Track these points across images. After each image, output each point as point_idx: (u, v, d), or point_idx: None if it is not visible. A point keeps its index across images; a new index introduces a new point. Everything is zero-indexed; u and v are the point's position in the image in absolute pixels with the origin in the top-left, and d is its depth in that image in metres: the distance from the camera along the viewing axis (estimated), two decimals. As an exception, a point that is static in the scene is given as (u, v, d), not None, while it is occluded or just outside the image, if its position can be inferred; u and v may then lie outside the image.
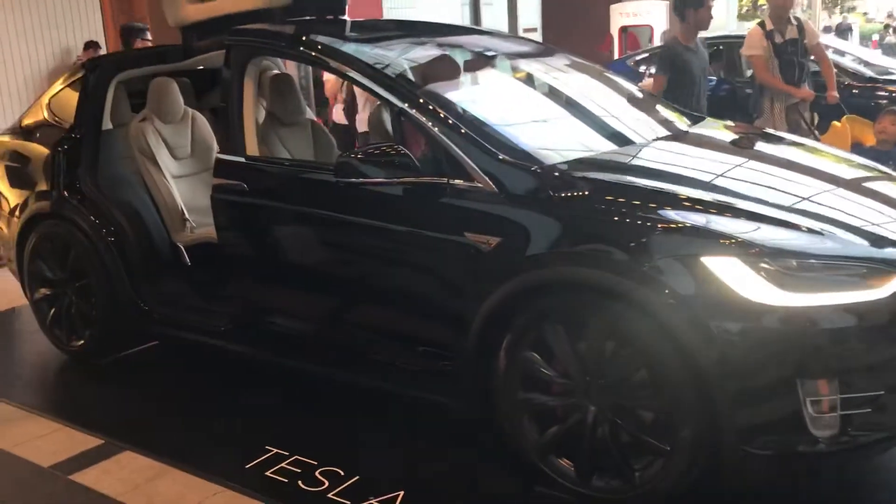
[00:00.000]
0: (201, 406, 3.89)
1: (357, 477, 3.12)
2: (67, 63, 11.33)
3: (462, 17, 17.52)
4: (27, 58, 11.13)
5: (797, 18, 6.27)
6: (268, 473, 3.19)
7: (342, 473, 3.15)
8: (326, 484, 3.09)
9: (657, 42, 10.44)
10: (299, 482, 3.12)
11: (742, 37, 9.25)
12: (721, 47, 8.94)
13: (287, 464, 3.25)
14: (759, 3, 38.02)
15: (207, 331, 3.89)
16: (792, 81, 5.99)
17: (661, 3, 11.24)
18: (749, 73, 8.77)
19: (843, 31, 19.06)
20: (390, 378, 3.32)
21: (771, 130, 4.12)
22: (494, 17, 18.05)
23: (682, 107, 4.53)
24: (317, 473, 3.16)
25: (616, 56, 10.68)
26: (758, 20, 6.47)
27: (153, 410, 3.90)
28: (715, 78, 8.82)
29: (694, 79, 5.89)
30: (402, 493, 2.99)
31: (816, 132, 6.07)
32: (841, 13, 32.48)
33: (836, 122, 6.27)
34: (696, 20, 5.90)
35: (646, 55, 9.51)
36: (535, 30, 15.59)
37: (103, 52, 11.18)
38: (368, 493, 3.01)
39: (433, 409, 3.25)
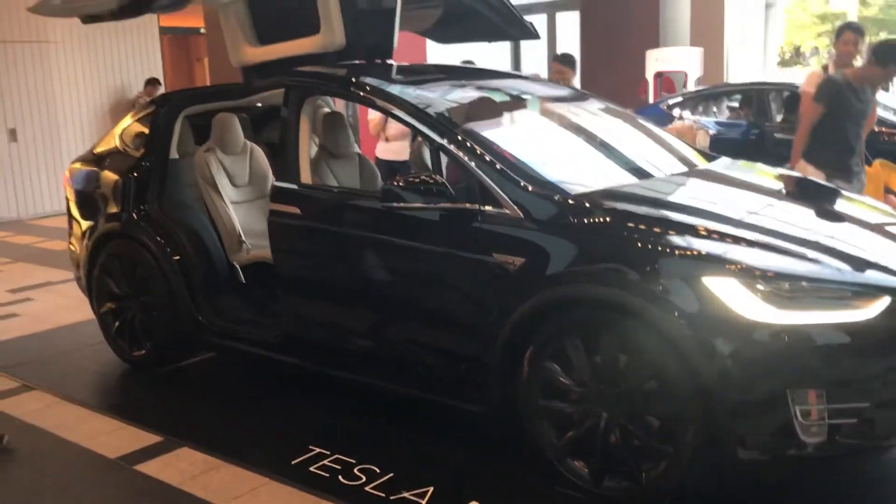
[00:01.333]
0: (251, 410, 4.25)
1: (391, 474, 3.44)
2: (124, 99, 12.01)
3: (504, 63, 18.04)
4: (92, 94, 11.81)
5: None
6: (311, 469, 3.53)
7: (378, 470, 3.48)
8: (364, 479, 3.42)
9: (691, 87, 10.77)
10: (339, 477, 3.45)
11: (772, 83, 9.60)
12: (753, 94, 9.24)
13: (328, 461, 3.58)
14: (801, 49, 38.23)
15: (259, 343, 4.25)
16: None
17: (696, 50, 11.59)
18: (779, 117, 9.08)
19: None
20: (426, 387, 3.65)
21: (781, 171, 4.38)
22: (536, 61, 18.54)
23: (831, 147, 4.98)
24: (355, 470, 3.50)
25: (651, 100, 11.01)
26: (822, 63, 6.50)
27: (208, 412, 4.27)
28: (745, 122, 9.14)
29: (850, 122, 5.43)
30: (431, 488, 3.31)
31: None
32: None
33: (867, 167, 6.38)
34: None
35: (679, 99, 9.84)
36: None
37: (162, 88, 11.86)
38: (402, 487, 3.33)
39: (464, 415, 3.56)
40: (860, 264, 3.00)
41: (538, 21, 18.39)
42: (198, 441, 3.85)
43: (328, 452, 3.66)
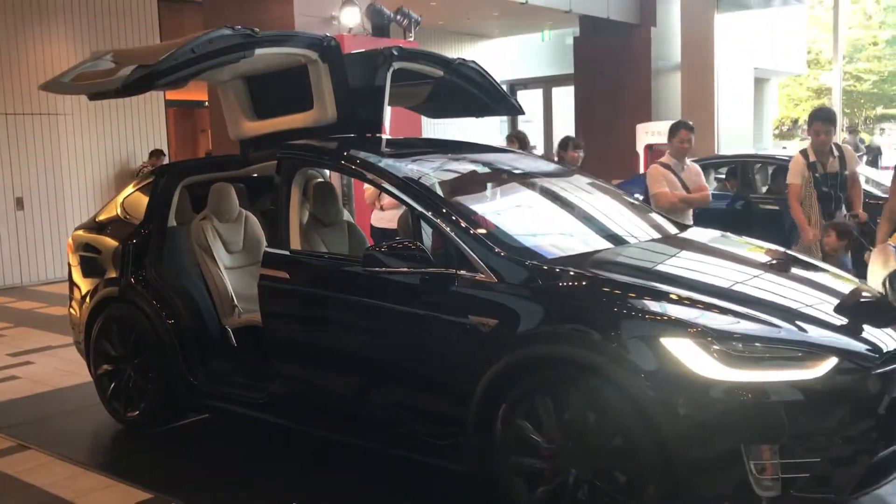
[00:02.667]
0: (240, 469, 4.37)
1: (371, 529, 3.57)
2: (129, 169, 12.37)
3: (500, 135, 18.49)
4: (98, 165, 12.16)
5: (839, 147, 6.35)
6: (294, 524, 3.66)
7: (358, 526, 3.60)
8: (344, 534, 3.54)
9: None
10: (321, 533, 3.57)
11: (756, 156, 9.89)
12: (738, 166, 9.51)
13: (311, 517, 3.71)
14: (799, 122, 39.01)
15: (249, 404, 4.40)
16: (828, 212, 6.10)
17: (685, 124, 11.95)
18: (763, 189, 9.34)
19: (872, 150, 19.58)
20: (408, 446, 3.79)
21: (748, 239, 4.59)
22: (532, 134, 19.01)
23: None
24: (336, 526, 3.62)
25: (641, 171, 11.33)
26: (801, 148, 6.48)
27: (197, 471, 4.40)
28: (731, 193, 9.39)
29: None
30: (409, 543, 3.43)
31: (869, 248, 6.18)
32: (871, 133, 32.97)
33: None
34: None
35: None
36: (569, 146, 16.40)
37: (166, 159, 12.21)
38: (380, 542, 3.45)
39: (441, 471, 3.69)
40: (812, 326, 3.18)
41: (534, 95, 18.98)
42: (187, 498, 3.98)
43: (311, 508, 3.79)
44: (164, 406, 4.89)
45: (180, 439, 4.93)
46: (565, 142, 7.94)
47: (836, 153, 6.23)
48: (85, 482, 4.26)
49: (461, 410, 3.47)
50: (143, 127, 12.65)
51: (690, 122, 6.64)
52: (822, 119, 6.21)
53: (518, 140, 8.05)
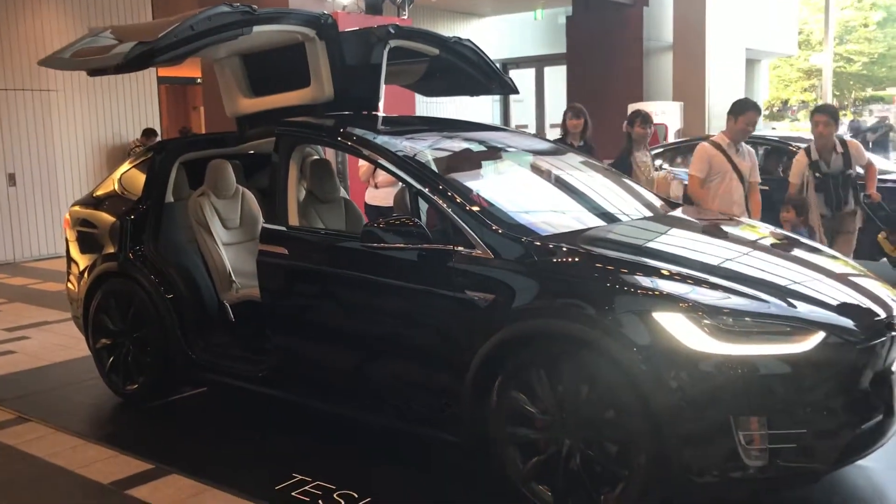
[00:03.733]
0: (238, 440, 4.46)
1: (368, 498, 3.66)
2: (121, 146, 12.38)
3: (493, 114, 18.53)
4: (90, 141, 12.15)
5: (843, 142, 6.33)
6: (293, 494, 3.74)
7: (356, 496, 3.69)
8: (342, 503, 3.63)
9: (671, 139, 11.16)
10: (319, 501, 3.66)
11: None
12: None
13: (310, 487, 3.80)
14: (790, 104, 39.11)
15: (247, 377, 4.48)
16: (830, 208, 6.22)
17: (676, 104, 12.04)
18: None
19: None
20: (404, 418, 3.87)
21: (735, 216, 4.67)
22: (524, 113, 19.07)
23: None
24: (335, 495, 3.71)
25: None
26: (805, 146, 6.43)
27: (196, 442, 4.49)
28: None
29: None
30: (405, 511, 3.53)
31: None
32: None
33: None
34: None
35: (659, 150, 10.19)
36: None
37: (158, 137, 12.23)
38: (378, 511, 3.55)
39: (438, 443, 3.78)
40: (800, 302, 3.27)
41: (527, 75, 18.99)
42: (186, 468, 4.06)
43: (309, 479, 3.87)
44: (163, 379, 4.96)
45: (179, 412, 5.01)
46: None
47: (840, 149, 6.23)
48: (86, 453, 4.34)
49: (457, 383, 3.55)
50: (135, 103, 12.62)
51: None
52: (820, 111, 6.28)
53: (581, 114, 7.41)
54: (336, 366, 4.14)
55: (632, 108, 12.47)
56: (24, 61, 11.11)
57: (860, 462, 3.46)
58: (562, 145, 5.42)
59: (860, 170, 6.47)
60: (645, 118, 7.29)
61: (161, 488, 3.88)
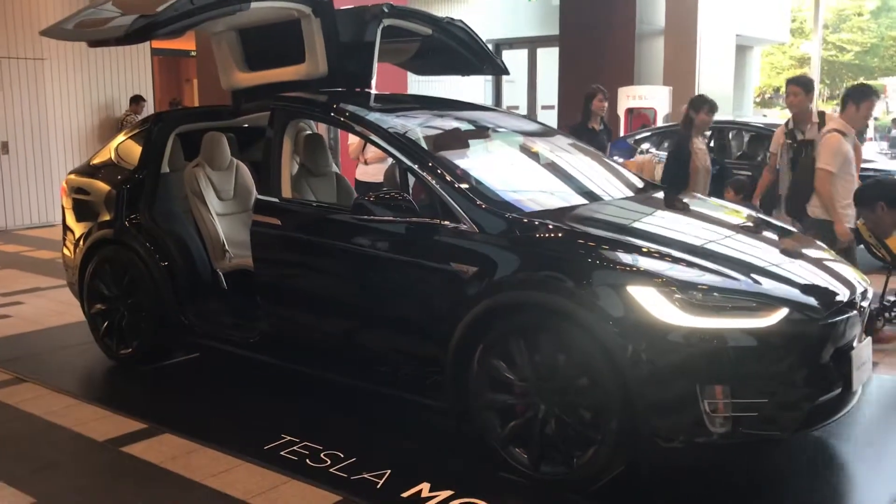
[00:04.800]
0: (229, 403, 4.63)
1: (354, 458, 3.83)
2: (113, 116, 12.46)
3: (485, 94, 18.61)
4: (83, 111, 12.23)
5: (821, 114, 6.23)
6: (282, 453, 3.91)
7: (342, 455, 3.86)
8: (328, 462, 3.81)
9: (660, 123, 11.32)
10: (307, 460, 3.83)
11: (733, 123, 10.15)
12: (715, 131, 9.75)
13: (298, 447, 3.97)
14: (781, 91, 39.26)
15: (239, 343, 4.64)
16: (804, 179, 5.82)
17: (665, 88, 12.18)
18: (738, 154, 9.61)
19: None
20: (391, 383, 4.05)
21: (714, 199, 4.83)
22: (516, 94, 19.15)
23: None
24: (321, 454, 3.88)
25: (622, 134, 11.56)
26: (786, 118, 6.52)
27: (190, 404, 4.65)
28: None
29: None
30: (389, 471, 3.70)
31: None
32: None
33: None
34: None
35: (647, 134, 10.36)
36: (552, 107, 16.61)
37: (146, 104, 12.35)
38: (362, 470, 3.72)
39: (423, 409, 3.96)
40: (766, 279, 3.45)
41: (519, 56, 19.06)
42: (179, 428, 4.22)
43: (297, 440, 4.04)
44: (157, 345, 5.11)
45: (172, 376, 5.17)
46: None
47: (815, 119, 6.25)
48: (82, 412, 4.50)
49: (441, 351, 3.72)
50: (128, 75, 12.68)
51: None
52: (793, 82, 6.41)
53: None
54: (325, 333, 4.30)
55: (623, 91, 12.60)
56: (17, 30, 11.15)
57: (816, 433, 3.66)
58: (548, 126, 5.56)
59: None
60: (712, 106, 6.97)
61: (154, 446, 4.05)
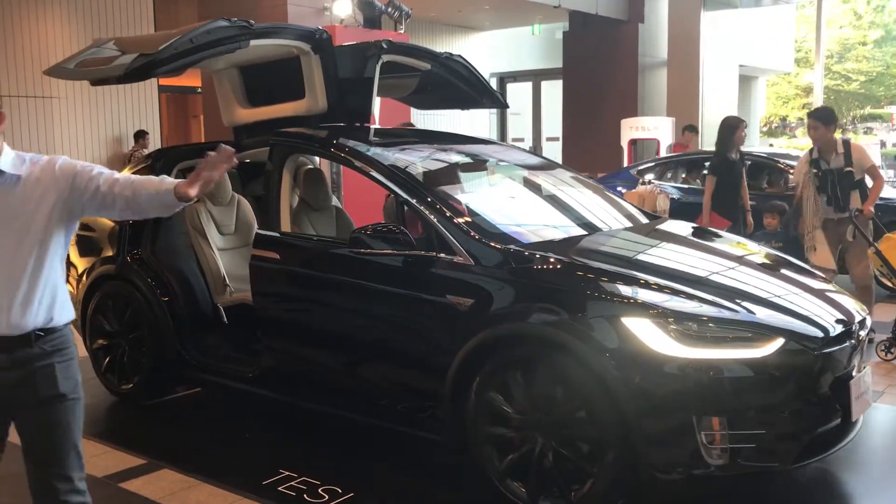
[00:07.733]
0: (228, 438, 4.62)
1: (352, 494, 3.82)
2: (121, 153, 12.60)
3: (490, 127, 18.72)
4: (91, 147, 12.38)
5: (846, 143, 6.37)
6: (280, 489, 3.90)
7: (339, 491, 3.85)
8: (326, 498, 3.79)
9: (663, 153, 11.35)
10: (304, 496, 3.82)
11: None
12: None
13: (296, 482, 3.95)
14: (788, 119, 39.35)
15: (239, 377, 4.64)
16: (833, 206, 6.21)
17: (668, 119, 12.24)
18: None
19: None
20: (389, 417, 4.04)
21: (712, 228, 4.84)
22: (521, 126, 19.26)
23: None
24: (319, 490, 3.86)
25: (625, 164, 11.60)
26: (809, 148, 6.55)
27: (188, 439, 4.65)
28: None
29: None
30: (387, 506, 3.69)
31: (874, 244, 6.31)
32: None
33: (889, 234, 6.54)
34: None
35: (650, 164, 10.38)
36: (557, 139, 16.70)
37: (150, 137, 12.49)
38: (360, 505, 3.71)
39: (421, 443, 3.94)
40: (762, 309, 3.44)
41: (524, 89, 19.20)
42: (178, 463, 4.21)
43: (296, 475, 4.03)
44: (158, 379, 5.12)
45: (172, 411, 5.17)
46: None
47: (840, 150, 6.30)
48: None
49: (438, 384, 3.71)
50: (136, 111, 12.83)
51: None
52: (812, 116, 6.47)
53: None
54: (324, 366, 4.30)
55: (626, 123, 12.67)
56: (28, 69, 11.31)
57: (818, 464, 3.62)
58: (549, 160, 5.60)
59: (869, 181, 6.56)
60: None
61: (153, 481, 4.04)
